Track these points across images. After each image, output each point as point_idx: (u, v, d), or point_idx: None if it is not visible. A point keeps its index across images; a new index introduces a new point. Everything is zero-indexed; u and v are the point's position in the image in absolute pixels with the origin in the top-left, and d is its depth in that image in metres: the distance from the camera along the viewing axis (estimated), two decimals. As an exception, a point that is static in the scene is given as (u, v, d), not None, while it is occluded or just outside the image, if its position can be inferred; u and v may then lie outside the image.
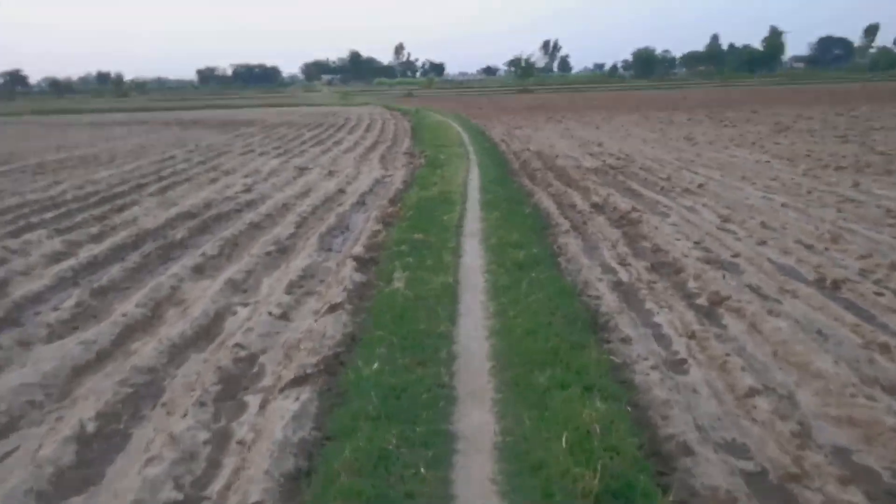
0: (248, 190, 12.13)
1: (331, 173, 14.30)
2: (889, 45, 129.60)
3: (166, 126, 32.33)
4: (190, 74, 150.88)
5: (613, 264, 7.29)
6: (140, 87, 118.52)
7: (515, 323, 5.16)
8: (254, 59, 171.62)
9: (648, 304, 6.00)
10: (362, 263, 7.02)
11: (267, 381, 4.56)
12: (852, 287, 6.23)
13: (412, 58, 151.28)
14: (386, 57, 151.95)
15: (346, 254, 7.55)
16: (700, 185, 11.91)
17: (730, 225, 8.93)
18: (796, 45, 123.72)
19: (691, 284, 6.53)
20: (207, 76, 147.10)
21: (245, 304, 6.13)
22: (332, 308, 5.53)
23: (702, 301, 6.10)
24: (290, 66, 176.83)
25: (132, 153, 19.22)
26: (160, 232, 8.92)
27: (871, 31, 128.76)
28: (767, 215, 9.32)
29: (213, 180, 13.52)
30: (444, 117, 33.43)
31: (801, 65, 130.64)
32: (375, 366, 4.35)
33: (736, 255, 7.41)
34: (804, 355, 4.71)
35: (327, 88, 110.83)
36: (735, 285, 6.38)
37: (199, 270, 7.12)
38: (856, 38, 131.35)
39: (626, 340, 5.13)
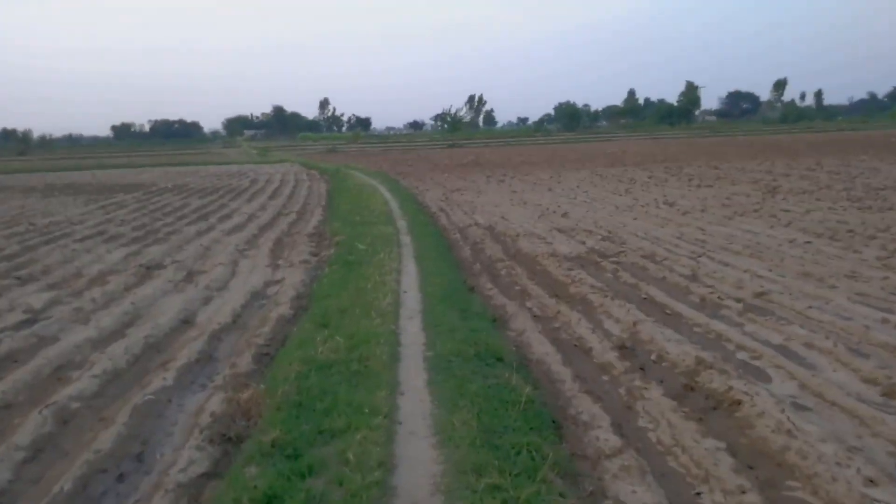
0: (29, 323, 7.11)
1: (189, 277, 9.40)
2: (796, 98, 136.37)
3: (27, 192, 26.44)
4: (106, 131, 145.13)
5: None
6: (47, 144, 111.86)
7: None
8: (174, 114, 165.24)
9: None
10: None
11: None
12: None
13: (338, 112, 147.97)
14: (311, 112, 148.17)
15: None
16: (759, 294, 7.73)
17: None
18: (706, 100, 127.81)
19: None
20: (123, 132, 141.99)
21: None
22: None
23: None
24: (212, 122, 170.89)
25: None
26: None
27: (780, 85, 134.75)
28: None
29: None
30: (369, 177, 28.98)
31: (712, 118, 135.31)
32: None
33: None
34: None
35: (247, 144, 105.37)
36: None
37: None
38: (763, 93, 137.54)
39: None
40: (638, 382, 5.29)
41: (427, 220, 14.58)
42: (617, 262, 9.93)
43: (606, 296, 7.81)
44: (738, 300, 7.57)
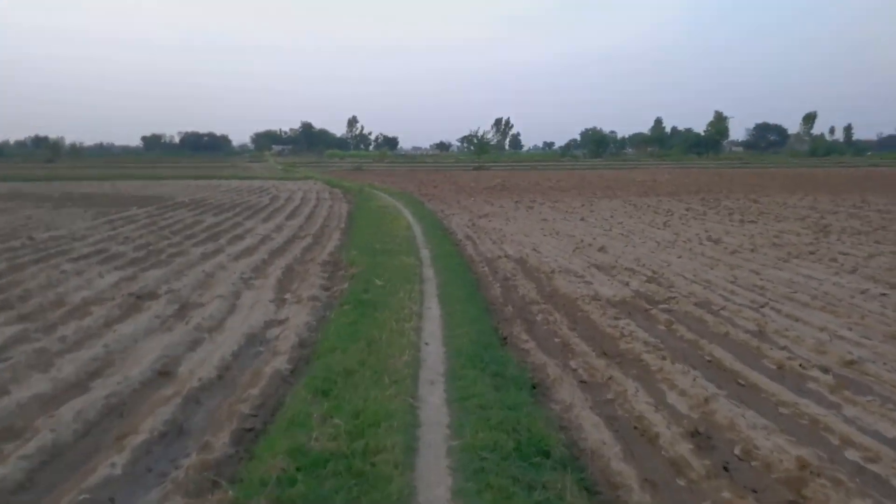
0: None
1: (182, 311, 8.31)
2: (825, 132, 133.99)
3: (41, 201, 25.81)
4: (136, 141, 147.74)
5: None
6: (76, 152, 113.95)
7: None
8: (204, 127, 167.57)
9: None
10: None
11: None
12: None
13: (365, 131, 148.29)
14: (339, 129, 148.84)
15: None
16: (849, 363, 6.42)
17: None
18: (732, 130, 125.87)
19: None
20: (153, 143, 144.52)
21: None
22: None
23: None
24: (242, 136, 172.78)
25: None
26: None
27: (809, 118, 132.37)
28: None
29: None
30: (394, 198, 27.97)
31: (739, 149, 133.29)
32: None
33: None
34: None
35: (273, 159, 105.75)
36: None
37: None
38: (790, 125, 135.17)
39: None
40: (726, 494, 4.03)
41: (452, 250, 13.42)
42: (668, 311, 8.66)
43: (664, 357, 6.55)
44: (825, 369, 6.28)
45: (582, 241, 15.20)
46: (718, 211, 22.09)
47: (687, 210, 22.65)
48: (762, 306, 8.79)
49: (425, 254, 12.87)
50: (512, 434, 4.29)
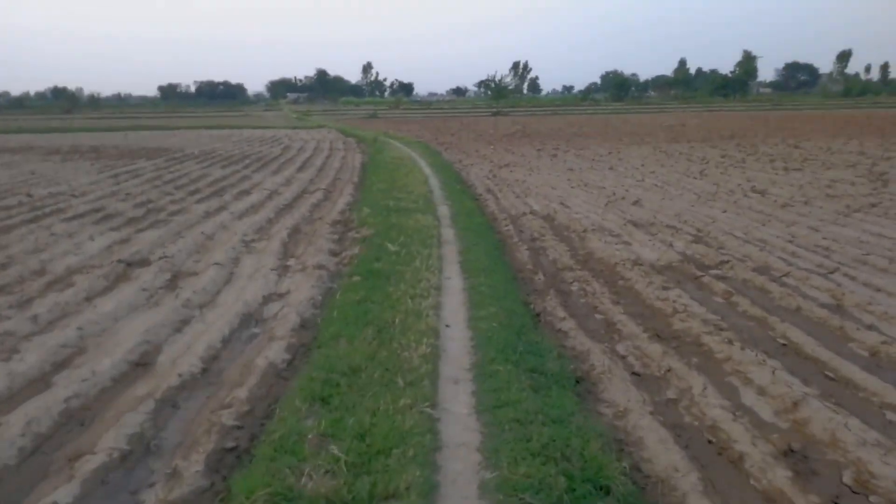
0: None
1: (173, 281, 7.40)
2: (860, 72, 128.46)
3: (49, 154, 24.96)
4: (153, 91, 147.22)
5: None
6: (94, 102, 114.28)
7: None
8: (219, 76, 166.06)
9: None
10: None
11: None
12: None
13: (381, 77, 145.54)
14: (354, 76, 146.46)
15: None
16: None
17: None
18: (760, 71, 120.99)
19: None
20: (169, 93, 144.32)
21: None
22: None
23: None
24: (257, 84, 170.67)
25: None
26: None
27: (844, 57, 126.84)
28: None
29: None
30: (409, 148, 26.71)
31: (767, 90, 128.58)
32: None
33: None
34: None
35: (288, 108, 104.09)
36: None
37: None
38: (822, 64, 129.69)
39: None
40: (848, 550, 3.06)
41: (473, 207, 12.34)
42: (723, 278, 7.59)
43: (729, 340, 5.52)
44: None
45: (613, 193, 14.01)
46: (758, 158, 20.61)
47: (723, 157, 21.19)
48: (832, 272, 7.67)
49: (443, 211, 11.81)
50: (560, 463, 3.33)
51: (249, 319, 6.07)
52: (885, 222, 10.40)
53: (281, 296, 6.72)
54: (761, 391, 4.65)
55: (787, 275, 7.58)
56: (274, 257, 8.28)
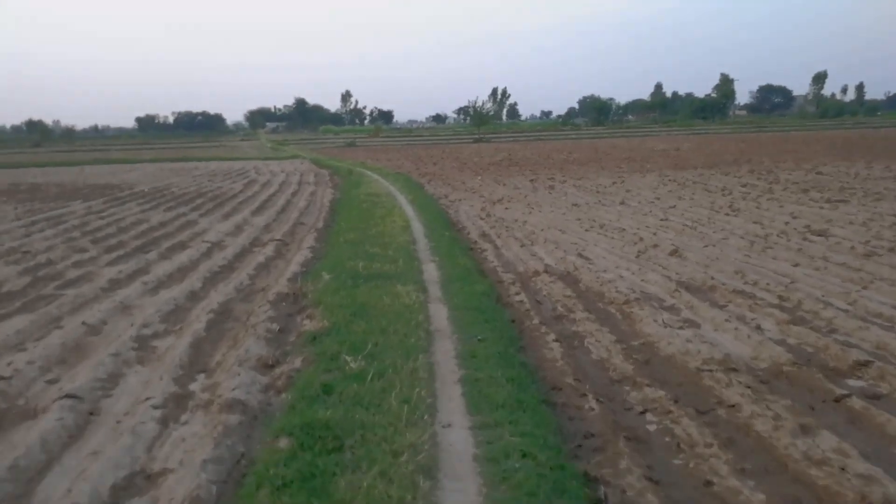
0: None
1: (-21, 440, 4.41)
2: (836, 92, 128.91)
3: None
4: (132, 122, 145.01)
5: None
6: (69, 135, 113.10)
7: None
8: (198, 106, 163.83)
9: None
10: None
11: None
12: None
13: (360, 105, 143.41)
14: (334, 105, 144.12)
15: None
16: None
17: None
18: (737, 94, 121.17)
19: None
20: (147, 124, 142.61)
21: None
22: None
23: None
24: (236, 114, 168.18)
25: None
26: None
27: (820, 78, 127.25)
28: None
29: None
30: (388, 181, 23.87)
31: (743, 112, 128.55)
32: None
33: None
34: None
35: (266, 137, 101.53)
36: None
37: None
38: (795, 86, 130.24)
39: None
40: None
41: (468, 263, 9.48)
42: (874, 397, 4.80)
43: None
44: None
45: (640, 239, 11.27)
46: (785, 187, 18.06)
47: (744, 186, 18.64)
48: None
49: (430, 272, 8.94)
50: None
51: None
52: None
53: (149, 478, 3.77)
54: None
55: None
56: (172, 374, 5.32)
